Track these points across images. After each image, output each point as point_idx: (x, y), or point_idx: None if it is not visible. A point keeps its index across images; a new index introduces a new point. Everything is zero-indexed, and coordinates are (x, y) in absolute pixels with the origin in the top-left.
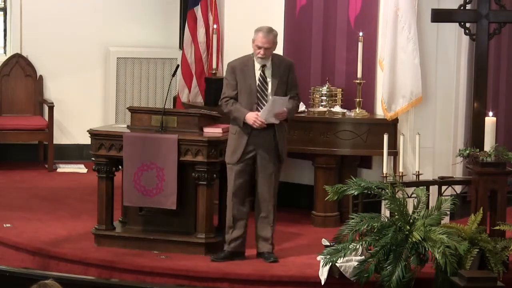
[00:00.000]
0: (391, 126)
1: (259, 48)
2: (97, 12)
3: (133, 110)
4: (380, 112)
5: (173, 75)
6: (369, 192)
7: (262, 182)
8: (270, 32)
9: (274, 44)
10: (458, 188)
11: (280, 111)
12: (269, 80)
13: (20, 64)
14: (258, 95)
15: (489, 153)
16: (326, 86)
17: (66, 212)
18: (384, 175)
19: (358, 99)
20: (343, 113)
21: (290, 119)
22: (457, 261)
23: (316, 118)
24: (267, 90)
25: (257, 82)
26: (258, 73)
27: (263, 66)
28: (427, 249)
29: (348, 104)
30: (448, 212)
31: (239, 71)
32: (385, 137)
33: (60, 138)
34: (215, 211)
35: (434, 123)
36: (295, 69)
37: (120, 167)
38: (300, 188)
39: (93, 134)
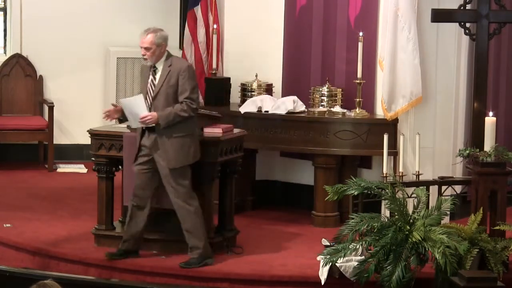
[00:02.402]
0: (391, 126)
1: (141, 48)
2: (97, 12)
3: None
4: (380, 112)
5: None
6: (369, 192)
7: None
8: (148, 32)
9: (154, 44)
10: (458, 188)
11: (142, 115)
12: (156, 83)
13: (20, 64)
14: (148, 97)
15: (489, 153)
16: (326, 86)
17: (66, 212)
18: (384, 175)
19: (358, 99)
20: (343, 113)
21: (166, 124)
22: (457, 261)
23: (316, 118)
24: (153, 92)
25: (148, 84)
26: (150, 76)
27: (154, 68)
28: (427, 249)
29: (348, 104)
30: (448, 212)
31: (143, 73)
32: (385, 137)
33: (60, 138)
34: (215, 211)
35: (434, 123)
36: (189, 74)
37: (120, 167)
38: (300, 188)
39: (93, 134)
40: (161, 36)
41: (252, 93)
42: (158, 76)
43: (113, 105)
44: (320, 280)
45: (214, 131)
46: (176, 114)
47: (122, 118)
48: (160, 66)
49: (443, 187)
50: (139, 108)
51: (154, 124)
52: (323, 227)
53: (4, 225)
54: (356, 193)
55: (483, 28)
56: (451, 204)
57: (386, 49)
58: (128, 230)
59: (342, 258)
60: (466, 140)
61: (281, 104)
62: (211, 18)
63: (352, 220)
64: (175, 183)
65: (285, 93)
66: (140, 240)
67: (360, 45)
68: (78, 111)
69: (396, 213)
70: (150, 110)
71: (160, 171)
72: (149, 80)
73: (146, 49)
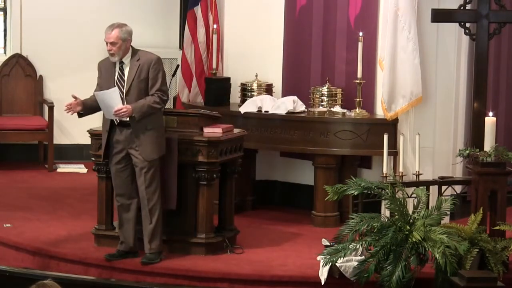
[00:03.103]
0: (391, 126)
1: (106, 44)
2: (97, 12)
3: None
4: (380, 112)
5: (173, 75)
6: (369, 192)
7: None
8: (113, 27)
9: (120, 39)
10: (458, 188)
11: (116, 108)
12: (125, 77)
13: (20, 64)
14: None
15: (489, 153)
16: (326, 86)
17: (66, 212)
18: (384, 175)
19: (358, 99)
20: (343, 113)
21: (140, 116)
22: (457, 261)
23: (316, 118)
24: (123, 87)
25: (116, 79)
26: (117, 71)
27: (121, 63)
28: (427, 249)
29: (348, 104)
30: (448, 212)
31: (104, 69)
32: (385, 137)
33: (60, 138)
34: (215, 211)
35: (434, 123)
36: (159, 66)
37: None
38: (300, 188)
39: (93, 134)
40: (126, 31)
41: (252, 93)
42: (126, 71)
43: (73, 96)
44: (320, 280)
45: (214, 131)
46: (150, 106)
47: (83, 112)
48: (127, 61)
49: (443, 187)
50: (114, 101)
51: (128, 117)
52: (323, 227)
53: (4, 225)
54: (356, 193)
55: (483, 28)
56: (451, 204)
57: (386, 49)
58: (121, 230)
59: (342, 258)
60: (466, 140)
61: (281, 104)
62: (211, 18)
63: (352, 220)
64: (150, 176)
65: (285, 93)
66: (136, 239)
67: (360, 45)
68: None
69: (396, 213)
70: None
71: (135, 165)
72: (116, 76)
73: (112, 44)
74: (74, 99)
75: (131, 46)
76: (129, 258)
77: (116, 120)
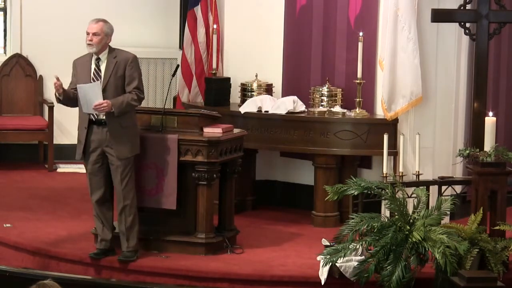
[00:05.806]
0: (391, 126)
1: (88, 34)
2: (97, 12)
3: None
4: (380, 112)
5: (173, 75)
6: (369, 192)
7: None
8: (98, 20)
9: (103, 32)
10: (458, 188)
11: (96, 102)
12: (101, 74)
13: (20, 64)
14: None
15: (489, 153)
16: (326, 86)
17: (66, 212)
18: (384, 175)
19: (358, 99)
20: (343, 113)
21: (119, 113)
22: (457, 261)
23: (316, 118)
24: (100, 84)
25: (92, 75)
26: (93, 66)
27: (97, 60)
28: (427, 249)
29: (348, 104)
30: (448, 212)
31: (79, 66)
32: (385, 137)
33: (60, 138)
34: (215, 211)
35: (434, 123)
36: (136, 64)
37: None
38: (300, 188)
39: None
40: (110, 27)
41: (252, 93)
42: (103, 67)
43: (56, 78)
44: (320, 280)
45: (214, 131)
46: (128, 103)
47: (62, 99)
48: (104, 58)
49: (443, 187)
50: (95, 95)
51: (104, 113)
52: (323, 227)
53: (4, 225)
54: (356, 193)
55: (483, 28)
56: (451, 204)
57: (386, 49)
58: (100, 230)
59: (342, 258)
60: (466, 140)
61: (281, 104)
62: (211, 18)
63: (352, 220)
64: (125, 175)
65: (285, 93)
66: (113, 237)
67: (360, 45)
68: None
69: (396, 213)
70: None
71: (111, 164)
72: (92, 71)
73: (95, 34)
74: (57, 80)
75: (109, 45)
76: (109, 256)
77: (94, 115)
